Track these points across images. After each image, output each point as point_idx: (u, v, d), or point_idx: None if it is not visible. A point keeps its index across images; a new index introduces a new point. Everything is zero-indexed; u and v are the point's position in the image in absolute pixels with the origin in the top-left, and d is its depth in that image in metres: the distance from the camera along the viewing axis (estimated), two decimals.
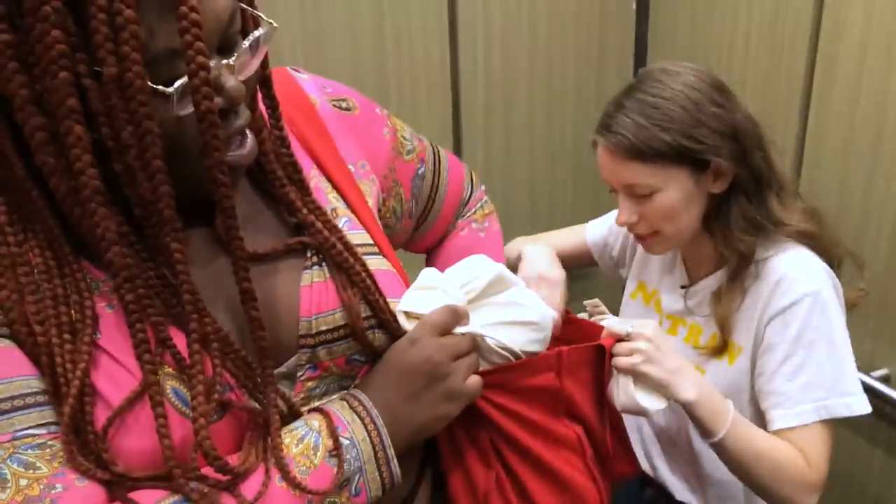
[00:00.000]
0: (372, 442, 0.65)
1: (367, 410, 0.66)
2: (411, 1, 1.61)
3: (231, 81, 0.56)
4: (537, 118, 1.84)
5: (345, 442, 0.64)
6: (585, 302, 1.06)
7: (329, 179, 0.75)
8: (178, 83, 0.53)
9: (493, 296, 0.75)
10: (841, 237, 1.09)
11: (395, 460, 0.66)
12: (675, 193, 1.02)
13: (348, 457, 0.63)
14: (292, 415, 0.67)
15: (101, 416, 0.57)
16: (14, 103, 0.52)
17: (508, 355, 0.74)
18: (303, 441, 0.63)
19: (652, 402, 0.89)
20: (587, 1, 1.78)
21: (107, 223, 0.55)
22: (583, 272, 1.63)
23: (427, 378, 0.67)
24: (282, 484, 0.61)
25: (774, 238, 1.04)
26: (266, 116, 0.69)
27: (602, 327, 0.92)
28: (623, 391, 0.88)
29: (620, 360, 0.89)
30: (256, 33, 0.59)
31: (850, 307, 1.07)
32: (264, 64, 0.65)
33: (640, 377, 0.89)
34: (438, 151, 0.91)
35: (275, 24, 0.61)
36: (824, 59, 1.40)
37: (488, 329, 0.72)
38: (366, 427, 0.65)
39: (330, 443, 0.63)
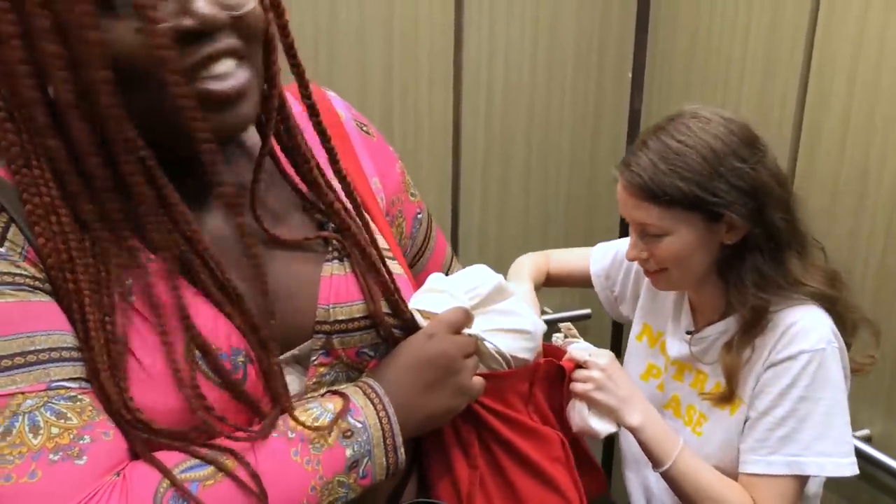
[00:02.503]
0: (382, 428, 0.67)
1: (380, 398, 0.68)
2: (420, 52, 1.69)
3: (203, 4, 0.55)
4: (533, 175, 1.90)
5: (357, 425, 0.66)
6: (560, 324, 1.12)
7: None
8: None
9: (493, 304, 0.79)
10: (859, 303, 1.11)
11: (402, 448, 0.68)
12: (686, 238, 1.03)
13: (359, 439, 0.66)
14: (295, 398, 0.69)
15: (132, 374, 0.59)
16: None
17: (502, 360, 0.79)
18: (318, 420, 0.65)
19: (603, 426, 0.97)
20: (584, 69, 1.87)
21: (139, 185, 0.58)
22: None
23: (443, 371, 0.71)
24: (296, 458, 0.63)
25: (788, 293, 1.05)
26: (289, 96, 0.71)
27: (564, 351, 0.98)
28: (578, 414, 0.95)
29: (576, 386, 0.96)
30: None
31: (857, 372, 1.08)
32: (285, 32, 0.66)
33: (592, 402, 0.96)
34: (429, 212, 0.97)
35: None
36: (810, 131, 1.47)
37: (488, 334, 0.77)
38: (377, 413, 0.67)
39: (344, 424, 0.65)
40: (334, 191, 0.74)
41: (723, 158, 1.01)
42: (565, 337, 1.07)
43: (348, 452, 0.65)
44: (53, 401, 0.56)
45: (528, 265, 1.38)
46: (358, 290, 0.72)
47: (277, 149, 0.73)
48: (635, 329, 1.28)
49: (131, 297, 0.60)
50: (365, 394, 0.68)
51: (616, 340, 2.04)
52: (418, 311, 0.75)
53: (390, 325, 0.73)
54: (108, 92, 0.54)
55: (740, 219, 1.02)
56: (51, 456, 0.55)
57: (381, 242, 0.77)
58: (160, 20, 0.53)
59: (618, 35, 1.87)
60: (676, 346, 1.17)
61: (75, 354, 0.58)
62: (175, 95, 0.55)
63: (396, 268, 0.78)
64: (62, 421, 0.56)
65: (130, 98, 0.56)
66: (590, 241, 1.96)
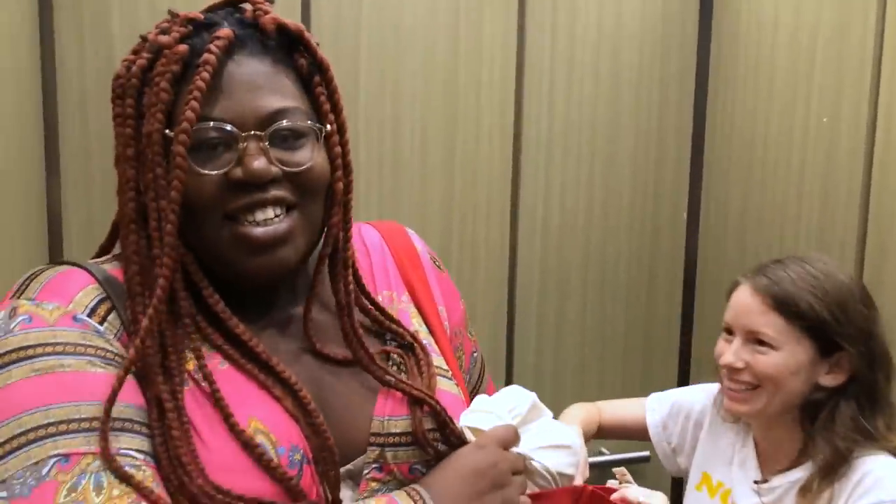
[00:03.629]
0: None
1: (423, 499, 0.69)
2: (479, 187, 1.76)
3: (254, 160, 0.66)
4: (587, 313, 1.90)
5: None
6: (615, 469, 1.13)
7: (418, 308, 0.84)
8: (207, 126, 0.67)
9: (532, 422, 0.82)
10: None
11: None
12: (792, 359, 1.04)
13: None
14: None
15: (200, 454, 0.64)
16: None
17: (549, 477, 0.80)
18: None
19: None
20: (640, 209, 1.91)
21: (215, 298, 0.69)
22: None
23: (491, 483, 0.71)
24: None
25: (871, 445, 1.04)
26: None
27: (613, 491, 0.98)
28: None
29: None
30: (292, 125, 0.69)
31: None
32: (345, 218, 0.75)
33: None
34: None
35: (326, 128, 0.72)
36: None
37: (534, 452, 0.79)
38: None
39: None
40: (395, 323, 0.80)
41: (853, 298, 1.06)
42: (619, 483, 1.08)
43: None
44: (120, 466, 0.60)
45: (579, 412, 1.35)
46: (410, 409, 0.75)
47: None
48: (694, 479, 1.25)
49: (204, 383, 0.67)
50: (409, 496, 0.69)
51: (676, 487, 1.94)
52: (468, 427, 0.77)
53: (436, 442, 0.74)
54: (170, 223, 0.66)
55: (852, 360, 1.03)
56: None
57: (441, 363, 0.81)
58: (219, 167, 0.67)
59: (673, 176, 1.93)
60: (745, 496, 1.14)
61: (144, 430, 0.64)
62: (214, 234, 0.68)
63: (453, 388, 0.81)
64: (123, 485, 0.60)
65: (188, 229, 0.68)
66: (647, 382, 1.95)
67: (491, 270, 1.80)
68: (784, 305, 1.05)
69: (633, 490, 1.00)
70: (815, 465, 1.05)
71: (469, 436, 0.76)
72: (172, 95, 0.66)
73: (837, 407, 1.05)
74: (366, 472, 0.72)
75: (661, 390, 1.41)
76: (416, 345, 0.79)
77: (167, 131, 0.66)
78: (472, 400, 0.91)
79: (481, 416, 0.79)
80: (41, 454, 0.59)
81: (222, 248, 0.68)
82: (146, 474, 0.62)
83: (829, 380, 1.05)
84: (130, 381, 0.65)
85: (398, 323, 0.80)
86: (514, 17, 1.73)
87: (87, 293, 0.67)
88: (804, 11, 1.60)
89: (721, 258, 1.88)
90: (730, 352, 1.09)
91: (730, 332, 1.11)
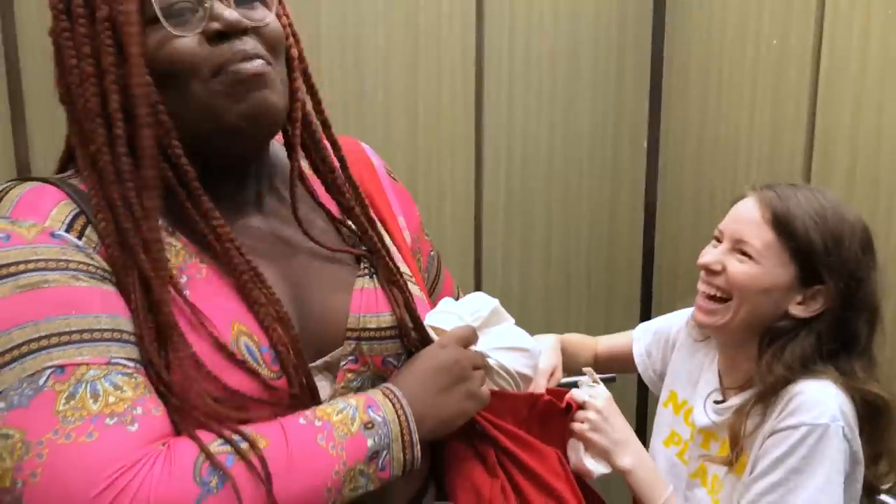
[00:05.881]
0: (400, 424, 0.73)
1: (398, 398, 0.75)
2: (442, 123, 1.80)
3: (227, 12, 0.68)
4: (552, 243, 1.97)
5: (377, 419, 0.72)
6: (584, 368, 1.15)
7: (379, 218, 0.88)
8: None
9: (493, 325, 0.88)
10: None
11: (419, 445, 0.74)
12: (769, 276, 1.04)
13: (380, 432, 0.71)
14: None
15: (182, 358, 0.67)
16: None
17: (506, 376, 0.87)
18: (342, 412, 0.71)
19: (597, 466, 1.01)
20: (600, 140, 1.96)
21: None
22: None
23: (455, 377, 0.78)
24: (322, 443, 0.68)
25: (811, 376, 1.03)
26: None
27: (565, 392, 1.03)
28: (575, 452, 1.00)
29: (574, 425, 1.01)
30: None
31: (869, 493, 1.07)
32: (301, 57, 0.78)
33: (587, 442, 1.00)
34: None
35: None
36: None
37: (492, 352, 0.86)
38: (396, 411, 0.73)
39: (366, 416, 0.71)
40: (366, 216, 0.84)
41: (851, 237, 1.04)
42: (589, 383, 1.10)
43: (369, 443, 0.70)
44: (112, 374, 0.64)
45: (572, 338, 1.39)
46: (386, 302, 0.80)
47: (313, 178, 0.83)
48: (662, 396, 1.29)
49: (186, 291, 0.70)
50: (384, 394, 0.75)
51: (641, 406, 2.05)
52: (431, 327, 0.84)
53: (413, 336, 0.80)
54: (146, 95, 0.67)
55: (829, 295, 1.03)
56: (107, 420, 0.62)
57: (404, 268, 0.87)
58: (194, 28, 0.68)
59: (632, 107, 1.97)
60: (702, 416, 1.17)
61: (132, 339, 0.66)
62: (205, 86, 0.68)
63: (416, 290, 0.87)
64: (119, 392, 0.63)
65: (171, 101, 0.68)
66: (610, 309, 2.03)
67: (457, 205, 1.85)
68: (781, 222, 1.04)
69: (577, 391, 1.05)
70: (755, 389, 1.07)
71: (432, 334, 0.83)
72: None
73: (795, 338, 1.05)
74: (342, 363, 0.77)
75: (624, 316, 1.45)
76: (383, 247, 0.83)
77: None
78: (432, 298, 0.97)
79: (445, 316, 0.86)
80: (35, 366, 0.61)
81: (214, 102, 0.69)
82: (138, 381, 0.65)
83: (798, 310, 1.05)
84: (114, 292, 0.67)
85: (374, 221, 0.84)
86: None
87: (61, 209, 0.68)
88: None
89: (679, 185, 1.95)
90: (710, 253, 1.10)
91: (719, 239, 1.11)
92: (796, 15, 1.54)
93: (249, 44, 0.70)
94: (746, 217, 1.07)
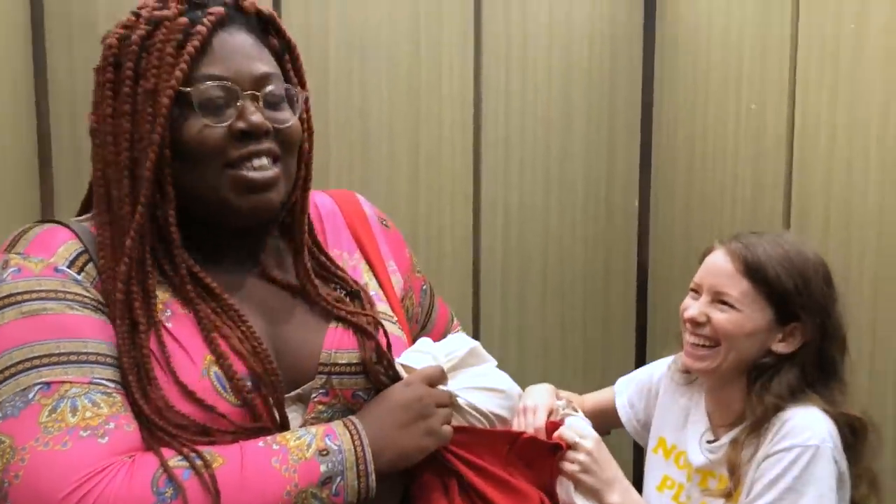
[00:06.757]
0: (356, 454, 0.78)
1: (358, 430, 0.80)
2: (443, 175, 1.90)
3: (254, 115, 0.78)
4: (548, 299, 2.04)
5: (333, 447, 0.77)
6: (561, 392, 1.19)
7: (368, 264, 0.96)
8: (208, 86, 0.77)
9: (470, 367, 0.92)
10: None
11: (374, 475, 0.78)
12: (750, 322, 1.11)
13: (334, 459, 0.76)
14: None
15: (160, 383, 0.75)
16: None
17: (478, 415, 0.90)
18: (300, 439, 0.77)
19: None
20: (594, 198, 2.06)
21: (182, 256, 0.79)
22: None
23: (416, 414, 0.83)
24: (276, 465, 0.74)
25: (799, 403, 1.10)
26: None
27: (555, 427, 1.07)
28: (565, 491, 1.03)
29: (564, 465, 1.03)
30: (278, 89, 0.82)
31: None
32: (307, 174, 0.88)
33: (577, 482, 1.03)
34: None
35: (306, 93, 0.86)
36: None
37: (462, 391, 0.89)
38: (353, 441, 0.78)
39: (322, 444, 0.77)
40: (341, 270, 0.92)
41: (816, 274, 1.13)
42: (564, 408, 1.14)
43: (322, 468, 0.75)
44: (92, 392, 0.72)
45: (561, 392, 1.41)
46: (357, 341, 0.85)
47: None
48: (651, 443, 1.33)
49: (169, 324, 0.78)
50: (345, 425, 0.80)
51: (638, 452, 2.07)
52: (402, 365, 0.88)
53: (379, 373, 0.85)
54: (153, 160, 0.76)
55: (806, 331, 1.11)
56: (81, 432, 0.70)
57: (387, 310, 0.93)
58: (223, 121, 0.78)
59: (624, 166, 2.08)
60: (697, 456, 1.22)
61: (116, 363, 0.75)
62: (218, 176, 0.78)
63: (396, 330, 0.92)
64: (95, 408, 0.71)
65: (186, 173, 0.78)
66: (606, 362, 2.07)
67: (456, 259, 1.93)
68: (752, 271, 1.11)
69: (566, 430, 1.07)
70: (748, 421, 1.13)
71: (401, 371, 0.86)
72: (175, 59, 0.76)
73: (780, 372, 1.12)
74: (313, 395, 0.82)
75: (620, 369, 1.49)
76: (360, 291, 0.90)
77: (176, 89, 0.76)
78: (426, 328, 1.02)
79: (418, 356, 0.89)
80: (27, 382, 0.70)
81: (222, 191, 0.78)
82: (115, 399, 0.72)
83: (781, 347, 1.12)
84: (104, 322, 0.75)
85: (344, 271, 0.92)
86: (471, 22, 1.88)
87: (68, 247, 0.77)
88: (732, 12, 1.78)
89: (670, 240, 2.04)
90: (694, 307, 1.17)
91: (697, 291, 1.19)
92: (771, 83, 1.67)
93: (265, 145, 0.80)
94: (720, 269, 1.15)
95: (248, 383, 0.78)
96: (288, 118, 0.82)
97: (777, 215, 1.66)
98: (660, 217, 2.07)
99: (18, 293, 0.73)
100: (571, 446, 1.05)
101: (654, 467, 1.30)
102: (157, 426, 0.73)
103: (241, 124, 0.78)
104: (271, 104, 0.81)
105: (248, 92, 0.79)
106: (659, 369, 1.37)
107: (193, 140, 0.77)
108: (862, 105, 1.47)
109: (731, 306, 1.13)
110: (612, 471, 1.08)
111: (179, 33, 0.77)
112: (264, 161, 0.79)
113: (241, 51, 0.80)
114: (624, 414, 1.39)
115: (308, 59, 0.89)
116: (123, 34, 0.79)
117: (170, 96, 0.75)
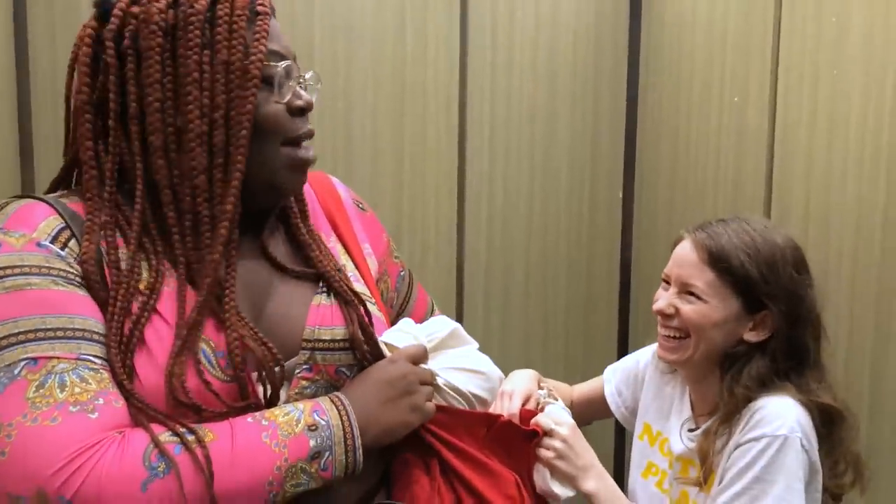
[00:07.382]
0: (343, 428, 0.78)
1: (345, 405, 0.80)
2: (428, 169, 1.90)
3: (307, 94, 0.83)
4: (531, 290, 2.05)
5: (321, 422, 0.78)
6: (550, 382, 1.20)
7: (344, 247, 0.97)
8: (282, 64, 0.81)
9: (451, 348, 0.93)
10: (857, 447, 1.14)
11: (361, 450, 0.79)
12: (717, 312, 1.11)
13: (322, 434, 0.77)
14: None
15: (143, 362, 0.74)
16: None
17: (457, 396, 0.91)
18: (288, 414, 0.78)
19: (562, 490, 1.05)
20: (577, 191, 2.07)
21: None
22: None
23: (401, 391, 0.84)
24: (266, 440, 0.74)
25: (771, 393, 1.10)
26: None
27: (532, 414, 1.08)
28: (541, 477, 1.04)
29: (540, 452, 1.05)
30: (308, 74, 0.86)
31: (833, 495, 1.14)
32: None
33: (553, 469, 1.05)
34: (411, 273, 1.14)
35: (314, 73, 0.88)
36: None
37: (442, 371, 0.91)
38: (340, 416, 0.79)
39: (310, 419, 0.77)
40: (327, 251, 0.93)
41: (786, 262, 1.11)
42: (545, 397, 1.15)
43: (312, 443, 0.76)
44: (80, 368, 0.71)
45: (553, 381, 1.42)
46: (341, 318, 0.86)
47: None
48: (637, 429, 1.34)
49: (162, 301, 0.77)
50: (332, 401, 0.81)
51: (619, 437, 2.10)
52: (385, 343, 0.89)
53: (364, 349, 0.86)
54: (245, 141, 0.78)
55: (775, 319, 1.10)
56: (70, 408, 0.69)
57: (363, 289, 0.93)
58: (282, 98, 0.82)
59: (608, 160, 2.09)
60: (678, 443, 1.23)
61: (103, 339, 0.74)
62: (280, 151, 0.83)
63: (375, 311, 0.93)
64: (84, 384, 0.71)
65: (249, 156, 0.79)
66: (588, 354, 2.09)
67: (440, 252, 1.93)
68: (716, 261, 1.10)
69: (543, 417, 1.08)
70: (720, 411, 1.13)
71: (384, 349, 0.88)
72: (248, 34, 0.78)
73: (750, 361, 1.11)
74: (297, 371, 0.83)
75: (603, 359, 1.51)
76: (341, 270, 0.90)
77: (245, 61, 0.77)
78: (404, 314, 1.03)
79: (400, 335, 0.90)
80: (13, 357, 0.69)
81: (276, 168, 0.82)
82: (103, 376, 0.72)
83: (752, 336, 1.11)
84: (89, 298, 0.75)
85: (329, 250, 0.92)
86: (457, 13, 1.87)
87: (49, 223, 0.76)
88: (716, 7, 1.80)
89: (654, 231, 2.06)
90: (663, 298, 1.17)
91: (668, 282, 1.18)
92: (753, 76, 1.69)
93: (307, 125, 0.85)
94: (686, 260, 1.14)
95: (239, 359, 0.78)
96: (314, 98, 0.86)
97: (759, 204, 1.68)
98: (643, 208, 2.09)
99: (0, 268, 0.72)
100: (547, 433, 1.06)
101: (640, 454, 1.31)
102: (147, 404, 0.73)
103: (299, 102, 0.82)
104: (308, 87, 0.86)
105: (299, 73, 0.83)
106: (645, 356, 1.38)
107: (259, 115, 0.79)
108: (842, 98, 1.49)
109: (698, 297, 1.12)
110: (588, 458, 1.09)
111: (245, 9, 0.78)
112: (310, 150, 0.85)
113: (280, 31, 0.83)
114: (613, 402, 1.40)
115: (293, 47, 0.90)
116: (187, 4, 0.77)
117: (259, 69, 0.77)
